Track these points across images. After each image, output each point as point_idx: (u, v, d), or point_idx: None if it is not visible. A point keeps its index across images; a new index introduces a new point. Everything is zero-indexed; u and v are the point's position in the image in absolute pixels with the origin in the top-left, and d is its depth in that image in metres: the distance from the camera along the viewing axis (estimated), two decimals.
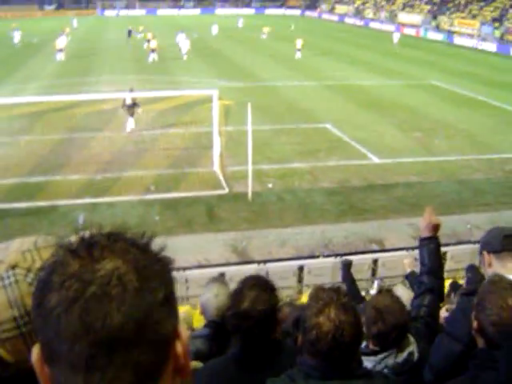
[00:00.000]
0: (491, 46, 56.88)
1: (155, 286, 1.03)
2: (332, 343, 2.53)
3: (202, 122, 21.46)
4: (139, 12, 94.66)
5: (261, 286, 3.35)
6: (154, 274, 1.05)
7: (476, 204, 16.50)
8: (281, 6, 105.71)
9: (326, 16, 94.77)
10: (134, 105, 22.21)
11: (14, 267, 1.36)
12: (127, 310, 0.98)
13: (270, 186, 17.28)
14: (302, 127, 23.90)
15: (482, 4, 67.75)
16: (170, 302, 1.06)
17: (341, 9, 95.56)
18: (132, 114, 22.45)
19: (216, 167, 17.94)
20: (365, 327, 3.55)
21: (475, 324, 2.85)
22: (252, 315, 3.19)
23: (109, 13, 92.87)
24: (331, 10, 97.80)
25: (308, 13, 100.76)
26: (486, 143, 22.42)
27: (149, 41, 45.68)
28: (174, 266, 1.12)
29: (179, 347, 1.09)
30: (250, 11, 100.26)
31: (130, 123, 22.55)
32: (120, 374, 0.99)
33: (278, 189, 17.20)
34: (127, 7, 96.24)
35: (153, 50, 42.62)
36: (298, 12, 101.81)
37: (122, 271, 1.01)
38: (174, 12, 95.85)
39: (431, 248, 4.19)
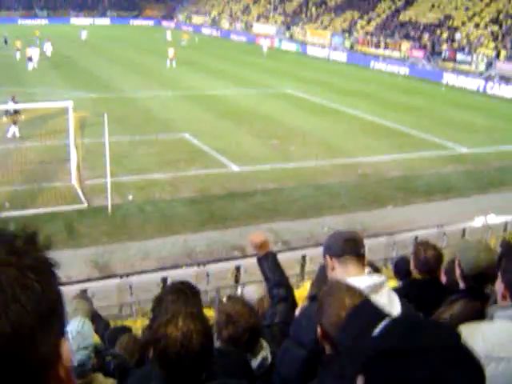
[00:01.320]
0: (342, 56, 59.29)
1: (25, 306, 0.89)
2: (181, 351, 2.57)
3: (57, 135, 20.86)
4: None
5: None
6: (25, 292, 0.90)
7: (332, 207, 17.13)
8: (137, 17, 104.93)
9: (184, 27, 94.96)
10: (15, 112, 22.55)
11: None
12: None
13: (130, 198, 17.08)
14: (160, 138, 23.78)
15: (333, 15, 70.57)
16: (46, 322, 0.93)
17: (197, 19, 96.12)
18: (15, 122, 22.72)
19: (74, 181, 17.50)
20: (216, 333, 3.63)
21: (319, 329, 2.92)
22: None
23: None
24: (187, 21, 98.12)
25: (165, 23, 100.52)
26: (339, 148, 23.35)
27: (19, 50, 45.87)
28: (57, 272, 0.98)
29: (61, 370, 0.97)
30: (106, 21, 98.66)
31: (12, 130, 22.82)
32: None
33: (139, 201, 17.02)
34: None
35: (30, 58, 42.07)
36: (151, 22, 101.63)
37: None
38: (27, 22, 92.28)
39: (269, 263, 4.47)
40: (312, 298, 3.69)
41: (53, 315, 0.95)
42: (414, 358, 1.33)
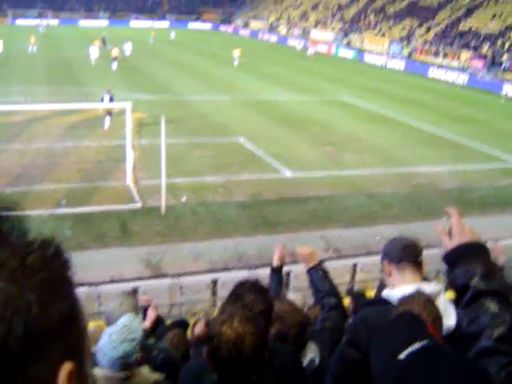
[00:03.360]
0: (399, 64, 58.77)
1: (8, 327, 0.83)
2: (232, 351, 2.61)
3: (114, 135, 21.25)
4: (53, 22, 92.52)
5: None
6: (22, 307, 0.85)
7: (385, 216, 16.98)
8: (196, 20, 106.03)
9: (241, 31, 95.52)
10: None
11: None
12: None
13: (184, 199, 17.26)
14: (215, 141, 23.99)
15: (391, 23, 69.99)
16: (44, 341, 0.88)
17: (255, 24, 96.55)
18: (109, 113, 24.01)
19: (129, 181, 17.76)
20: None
21: None
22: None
23: (20, 22, 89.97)
24: (245, 26, 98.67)
25: (222, 27, 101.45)
26: (394, 158, 23.13)
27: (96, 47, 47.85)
28: (69, 288, 0.94)
29: None
30: (165, 24, 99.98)
31: (107, 121, 24.04)
32: None
33: (192, 202, 17.16)
34: (40, 16, 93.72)
35: (115, 58, 43.79)
36: (209, 26, 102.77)
37: None
38: (88, 23, 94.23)
39: (319, 275, 4.61)
40: (367, 304, 3.70)
41: (51, 338, 0.88)
42: None
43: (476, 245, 2.22)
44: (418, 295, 3.02)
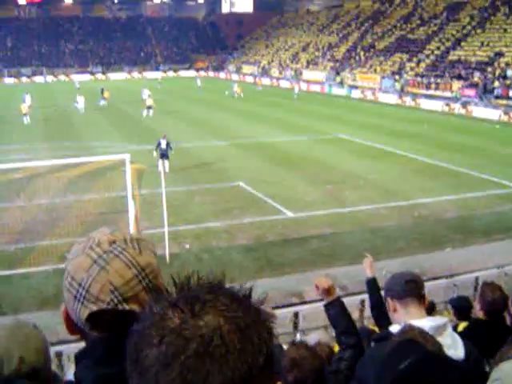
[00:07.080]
0: (392, 98, 59.28)
1: (257, 347, 0.99)
2: None
3: (115, 187, 21.32)
4: (48, 78, 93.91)
5: None
6: (257, 334, 1.00)
7: (389, 250, 16.95)
8: (189, 69, 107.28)
9: (234, 76, 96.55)
10: (168, 147, 26.35)
11: (114, 241, 1.58)
12: (229, 372, 0.94)
13: (187, 246, 17.26)
14: (215, 187, 24.09)
15: (382, 59, 70.79)
16: (270, 364, 1.01)
17: (247, 69, 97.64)
18: (164, 157, 26.01)
19: (132, 231, 17.74)
20: (282, 378, 3.65)
21: None
22: None
23: (12, 80, 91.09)
24: (238, 70, 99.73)
25: (216, 74, 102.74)
26: (394, 191, 23.19)
27: (105, 98, 52.82)
28: (274, 322, 1.10)
29: None
30: (158, 74, 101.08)
31: (162, 165, 24.73)
32: None
33: (196, 249, 17.18)
34: (34, 74, 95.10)
35: (149, 107, 46.06)
36: (203, 73, 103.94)
37: (224, 330, 0.98)
38: (83, 77, 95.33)
39: (336, 311, 4.36)
40: (377, 339, 3.68)
41: (272, 360, 1.02)
42: None
43: None
44: (410, 328, 3.02)
